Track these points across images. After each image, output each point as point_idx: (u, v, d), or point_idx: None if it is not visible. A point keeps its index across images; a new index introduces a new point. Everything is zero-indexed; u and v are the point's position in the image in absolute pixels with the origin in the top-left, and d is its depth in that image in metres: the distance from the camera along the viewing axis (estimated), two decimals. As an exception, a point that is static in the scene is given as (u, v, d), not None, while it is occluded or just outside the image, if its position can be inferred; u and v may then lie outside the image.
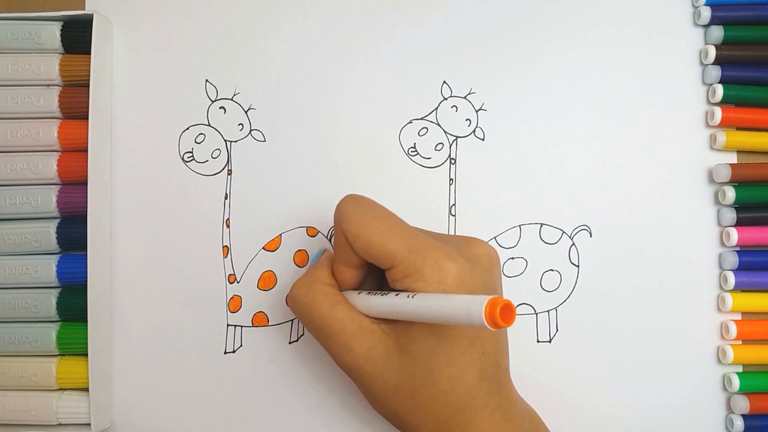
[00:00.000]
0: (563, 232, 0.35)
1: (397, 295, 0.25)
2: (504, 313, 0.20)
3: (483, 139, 0.35)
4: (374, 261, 0.26)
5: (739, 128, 0.35)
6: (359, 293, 0.28)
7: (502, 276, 0.34)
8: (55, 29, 0.33)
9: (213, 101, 0.35)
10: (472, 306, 0.21)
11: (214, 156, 0.35)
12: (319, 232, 0.35)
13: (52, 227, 0.33)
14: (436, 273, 0.25)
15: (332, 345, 0.27)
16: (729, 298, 0.34)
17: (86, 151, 0.33)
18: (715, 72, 0.34)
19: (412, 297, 0.24)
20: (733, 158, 0.35)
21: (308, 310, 0.27)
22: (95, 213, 0.33)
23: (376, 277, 0.30)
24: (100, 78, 0.33)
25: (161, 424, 0.34)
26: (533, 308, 0.34)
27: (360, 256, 0.27)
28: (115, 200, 0.35)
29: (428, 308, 0.23)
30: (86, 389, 0.32)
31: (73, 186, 0.34)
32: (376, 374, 0.26)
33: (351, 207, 0.27)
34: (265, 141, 0.35)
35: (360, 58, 0.35)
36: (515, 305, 0.34)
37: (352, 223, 0.26)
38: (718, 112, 0.34)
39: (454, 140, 0.35)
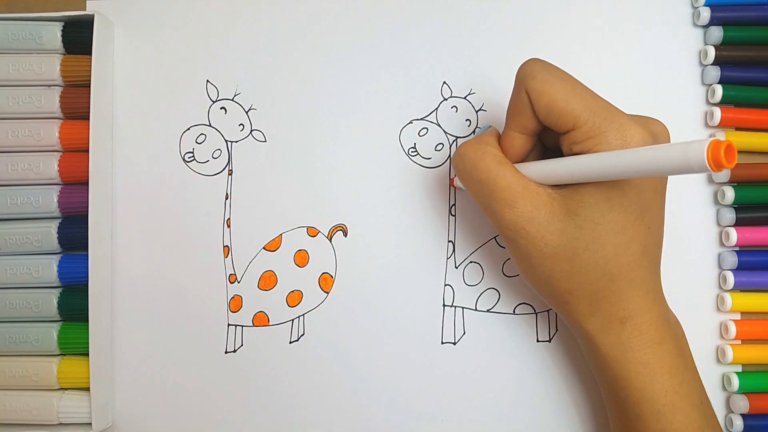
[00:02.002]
0: None
1: (574, 156, 0.25)
2: (728, 153, 0.19)
3: (483, 140, 0.35)
4: (555, 122, 0.26)
5: (738, 128, 0.35)
6: (525, 163, 0.27)
7: (503, 275, 0.34)
8: (56, 30, 0.33)
9: (214, 101, 0.35)
10: (692, 147, 0.19)
11: (214, 156, 0.35)
12: (319, 231, 0.35)
13: (53, 227, 0.33)
14: (619, 137, 0.24)
15: (495, 201, 0.27)
16: (728, 298, 0.34)
17: (87, 151, 0.33)
18: (715, 72, 0.34)
19: (610, 152, 0.23)
20: (732, 158, 0.35)
21: (475, 166, 0.27)
22: (96, 213, 0.33)
23: (539, 157, 0.30)
24: (101, 78, 0.33)
25: (162, 423, 0.34)
26: (533, 308, 0.34)
27: (537, 120, 0.27)
28: (116, 200, 0.35)
29: (633, 158, 0.22)
30: (87, 389, 0.33)
31: (74, 186, 0.34)
32: (537, 235, 0.26)
33: (536, 66, 0.27)
34: (265, 141, 0.35)
35: (360, 58, 0.35)
36: (515, 305, 0.34)
37: (537, 81, 0.26)
38: (718, 113, 0.34)
39: (454, 140, 0.35)
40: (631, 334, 0.27)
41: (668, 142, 0.27)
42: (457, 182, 0.30)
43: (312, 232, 0.35)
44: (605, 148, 0.25)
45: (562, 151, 0.27)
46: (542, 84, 0.26)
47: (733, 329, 0.34)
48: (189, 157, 0.35)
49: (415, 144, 0.35)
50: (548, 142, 0.30)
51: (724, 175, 0.34)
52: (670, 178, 0.35)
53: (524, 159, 0.29)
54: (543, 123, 0.27)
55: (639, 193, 0.26)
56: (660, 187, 0.27)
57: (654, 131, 0.26)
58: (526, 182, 0.27)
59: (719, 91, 0.34)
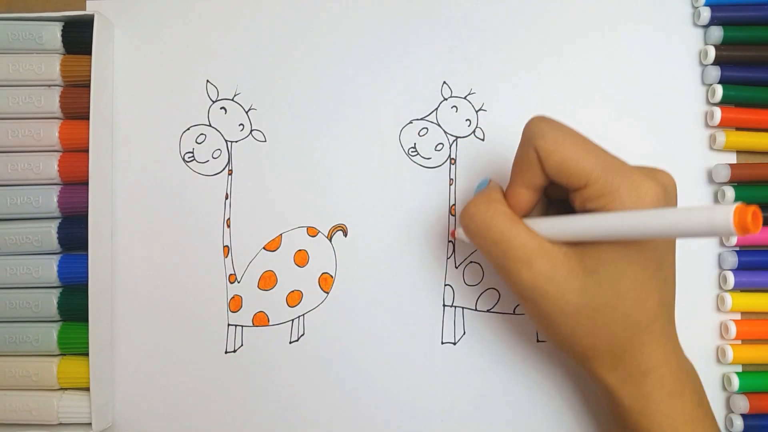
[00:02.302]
0: None
1: (594, 214, 0.25)
2: (755, 219, 0.19)
3: (483, 139, 0.35)
4: (565, 179, 0.26)
5: (738, 128, 0.35)
6: (536, 219, 0.27)
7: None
8: (56, 30, 0.33)
9: (214, 101, 0.35)
10: (717, 212, 0.20)
11: (214, 156, 0.35)
12: (319, 231, 0.35)
13: (53, 227, 0.33)
14: (633, 194, 0.24)
15: (510, 262, 0.26)
16: (728, 298, 0.34)
17: (87, 151, 0.33)
18: (715, 72, 0.34)
19: (634, 213, 0.23)
20: (732, 158, 0.35)
21: (486, 226, 0.27)
22: (96, 213, 0.33)
23: (542, 209, 0.30)
24: (101, 78, 0.33)
25: (161, 424, 0.34)
26: (533, 308, 0.34)
27: (545, 177, 0.27)
28: (116, 200, 0.35)
29: (658, 221, 0.22)
30: (87, 389, 0.33)
31: (74, 186, 0.34)
32: (557, 294, 0.26)
33: (544, 124, 0.26)
34: (265, 141, 0.35)
35: (360, 58, 0.35)
36: (515, 305, 0.34)
37: (547, 140, 0.26)
38: (718, 113, 0.34)
39: (454, 140, 0.35)
40: (654, 387, 0.27)
41: (675, 192, 0.27)
42: (459, 234, 0.30)
43: (312, 232, 0.35)
44: (620, 206, 0.24)
45: (571, 205, 0.27)
46: (552, 143, 0.26)
47: (733, 329, 0.33)
48: (189, 157, 0.35)
49: (415, 144, 0.35)
50: (552, 195, 0.29)
51: (725, 174, 0.34)
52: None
53: (529, 212, 0.29)
54: (552, 180, 0.27)
55: (655, 248, 0.26)
56: (672, 239, 0.28)
57: (664, 183, 0.26)
58: (541, 240, 0.26)
59: (719, 91, 0.34)
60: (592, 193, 0.25)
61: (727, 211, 0.19)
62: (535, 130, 0.26)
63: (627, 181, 0.25)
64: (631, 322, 0.26)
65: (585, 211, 0.26)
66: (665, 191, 0.25)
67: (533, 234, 0.26)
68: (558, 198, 0.29)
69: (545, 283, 0.26)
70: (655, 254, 0.26)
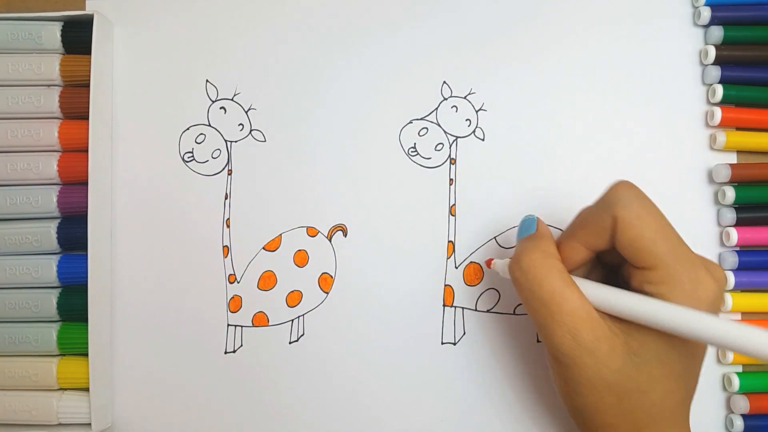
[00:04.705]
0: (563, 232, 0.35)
1: (659, 301, 0.24)
2: None
3: (483, 139, 0.35)
4: (632, 256, 0.25)
5: (738, 128, 0.35)
6: (588, 283, 0.26)
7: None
8: (56, 29, 0.33)
9: (213, 101, 0.35)
10: None
11: (214, 156, 0.35)
12: (319, 232, 0.35)
13: (52, 227, 0.33)
14: (693, 289, 0.24)
15: (555, 325, 0.25)
16: (729, 299, 0.34)
17: (87, 151, 0.33)
18: (715, 72, 0.34)
19: (696, 313, 0.23)
20: (732, 158, 0.35)
21: (540, 283, 0.26)
22: (96, 213, 0.33)
23: (587, 267, 0.29)
24: (100, 78, 0.33)
25: (161, 424, 0.34)
26: (533, 308, 0.34)
27: (611, 244, 0.26)
28: (116, 200, 0.35)
29: (718, 331, 0.22)
30: (87, 389, 0.33)
31: (74, 186, 0.34)
32: (594, 368, 0.25)
33: (631, 193, 0.25)
34: (265, 141, 0.35)
35: (360, 58, 0.35)
36: (515, 305, 0.34)
37: (629, 212, 0.25)
38: (718, 113, 0.34)
39: (454, 140, 0.35)
40: None
41: (725, 289, 0.27)
42: (496, 266, 0.29)
43: (312, 232, 0.35)
44: (678, 298, 0.24)
45: (622, 275, 0.26)
46: (635, 217, 0.25)
47: (733, 329, 0.33)
48: (188, 157, 0.35)
49: (415, 144, 0.35)
50: (605, 259, 0.29)
51: (725, 174, 0.34)
52: (670, 176, 0.35)
53: (577, 269, 0.28)
54: (617, 250, 0.26)
55: (697, 343, 0.26)
56: None
57: (720, 281, 0.25)
58: (590, 308, 0.25)
59: (720, 90, 0.34)
60: (654, 277, 0.25)
61: None
62: (621, 197, 0.25)
63: (691, 275, 0.24)
64: (656, 410, 0.25)
65: (640, 291, 0.25)
66: (719, 290, 0.25)
67: (583, 300, 0.25)
68: (609, 263, 0.29)
69: (585, 354, 0.25)
70: (695, 350, 0.26)
